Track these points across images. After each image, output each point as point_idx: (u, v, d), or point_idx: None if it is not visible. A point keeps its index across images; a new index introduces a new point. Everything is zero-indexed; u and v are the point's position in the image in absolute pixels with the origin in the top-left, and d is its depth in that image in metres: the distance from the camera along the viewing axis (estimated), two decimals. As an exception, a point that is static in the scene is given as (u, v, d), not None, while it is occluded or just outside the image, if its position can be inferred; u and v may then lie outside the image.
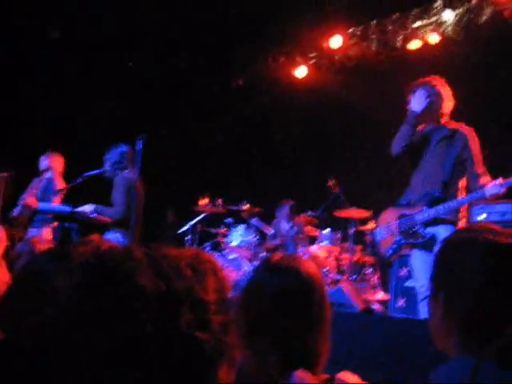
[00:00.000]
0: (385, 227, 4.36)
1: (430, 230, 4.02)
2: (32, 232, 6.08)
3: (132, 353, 0.81)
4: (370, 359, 3.48)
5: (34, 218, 6.12)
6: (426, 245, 3.98)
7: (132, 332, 0.81)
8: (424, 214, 4.05)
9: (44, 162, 6.57)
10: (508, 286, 1.13)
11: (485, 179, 3.95)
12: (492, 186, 3.77)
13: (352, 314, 4.89)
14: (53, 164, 6.57)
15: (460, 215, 4.05)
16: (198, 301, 0.86)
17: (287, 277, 1.54)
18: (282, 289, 1.51)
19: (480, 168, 4.04)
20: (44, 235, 6.03)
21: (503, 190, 3.75)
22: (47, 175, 6.52)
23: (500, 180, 3.76)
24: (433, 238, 3.96)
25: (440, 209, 3.96)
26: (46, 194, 6.28)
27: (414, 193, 4.24)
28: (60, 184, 6.41)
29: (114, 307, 0.83)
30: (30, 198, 6.12)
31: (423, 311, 3.99)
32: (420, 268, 4.07)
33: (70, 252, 1.35)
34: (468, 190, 4.07)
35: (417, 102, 4.20)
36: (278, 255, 1.63)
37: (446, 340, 1.21)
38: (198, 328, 0.84)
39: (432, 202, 4.03)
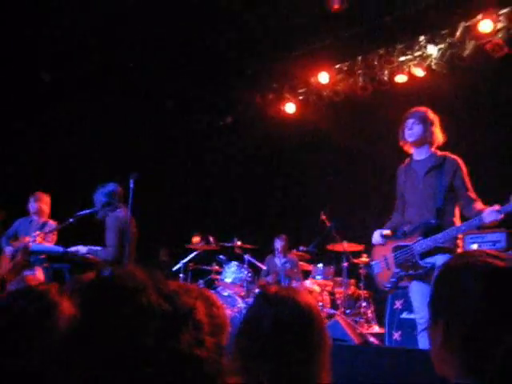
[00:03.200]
0: (381, 260, 4.35)
1: (429, 260, 3.99)
2: (25, 273, 6.01)
3: (134, 369, 0.83)
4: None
5: (29, 259, 6.06)
6: (426, 276, 3.96)
7: (134, 348, 0.83)
8: (422, 244, 4.02)
9: (33, 203, 6.49)
10: (508, 308, 1.14)
11: (479, 205, 3.97)
12: (490, 212, 3.78)
13: (350, 346, 4.84)
14: (42, 205, 6.50)
15: (458, 242, 4.06)
16: (196, 321, 0.89)
17: (285, 307, 1.54)
18: (280, 319, 1.51)
19: (472, 194, 4.08)
20: (38, 275, 5.97)
21: (501, 216, 3.76)
22: (37, 216, 6.46)
23: (497, 206, 3.78)
24: (433, 268, 3.91)
25: (439, 237, 3.94)
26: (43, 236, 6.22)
27: (408, 224, 4.25)
28: (51, 225, 6.36)
29: (118, 324, 0.85)
30: (25, 239, 6.07)
31: (422, 343, 3.96)
32: (420, 300, 4.04)
33: (46, 292, 1.36)
34: (463, 216, 4.09)
35: (414, 130, 4.24)
36: (274, 287, 1.64)
37: (446, 365, 1.21)
38: (197, 347, 0.86)
39: (428, 231, 4.02)
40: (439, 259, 3.91)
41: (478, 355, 1.14)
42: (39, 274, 6.02)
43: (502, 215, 3.77)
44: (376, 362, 3.76)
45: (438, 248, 3.95)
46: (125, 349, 0.83)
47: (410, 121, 4.25)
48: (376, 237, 4.43)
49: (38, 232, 6.14)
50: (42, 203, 6.51)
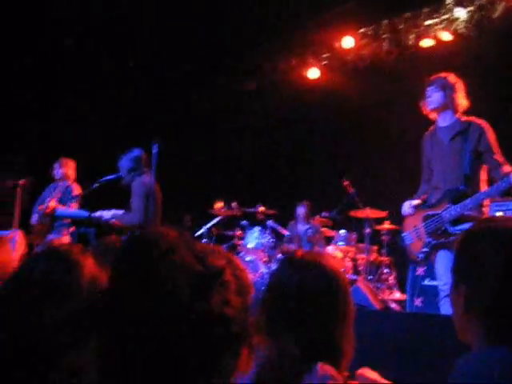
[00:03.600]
0: (412, 231, 4.34)
1: (460, 227, 3.96)
2: (51, 237, 6.12)
3: (167, 328, 0.86)
4: (389, 356, 3.48)
5: (54, 224, 6.16)
6: (453, 242, 3.94)
7: (168, 307, 0.86)
8: (451, 211, 4.00)
9: (58, 169, 6.60)
10: None
11: (507, 168, 3.92)
12: None
13: (371, 311, 4.88)
14: (67, 170, 6.60)
15: (483, 210, 4.04)
16: (225, 282, 0.91)
17: (311, 272, 1.55)
18: (306, 284, 1.52)
19: (500, 157, 4.03)
20: (63, 240, 6.08)
21: None
22: (63, 182, 6.55)
23: None
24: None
25: (467, 203, 3.91)
26: (64, 200, 6.31)
27: (436, 192, 4.22)
28: (76, 190, 6.44)
29: (152, 283, 0.88)
30: (50, 203, 6.16)
31: (444, 309, 3.97)
32: (444, 267, 4.03)
33: (68, 252, 1.40)
34: (490, 180, 4.04)
35: (433, 98, 4.19)
36: (300, 251, 1.64)
37: (469, 332, 1.21)
38: (226, 306, 0.89)
39: (457, 198, 3.99)
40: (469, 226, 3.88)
41: (500, 323, 1.14)
42: (65, 238, 6.14)
43: None
44: (397, 327, 3.79)
45: (467, 216, 3.92)
46: (159, 308, 0.86)
47: (430, 88, 4.21)
48: (406, 207, 4.41)
49: (53, 197, 6.23)
50: (66, 168, 6.61)
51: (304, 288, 1.52)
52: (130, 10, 7.72)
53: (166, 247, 0.91)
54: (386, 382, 1.52)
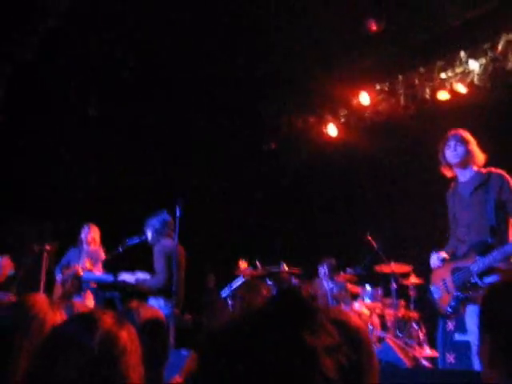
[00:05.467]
0: (440, 284, 4.29)
1: (488, 279, 3.91)
2: (76, 299, 6.18)
3: None
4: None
5: (82, 286, 6.27)
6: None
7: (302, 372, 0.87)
8: (479, 263, 3.96)
9: (88, 234, 6.78)
10: None
11: None
12: None
13: (403, 369, 4.76)
14: (95, 235, 6.80)
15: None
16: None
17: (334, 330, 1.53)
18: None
19: None
20: (87, 302, 6.14)
21: None
22: (89, 246, 6.70)
23: None
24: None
25: (495, 254, 3.86)
26: (92, 263, 6.44)
27: (462, 245, 4.20)
28: (103, 254, 6.59)
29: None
30: (82, 266, 6.29)
31: (478, 364, 3.86)
32: (475, 321, 3.95)
33: (97, 317, 1.45)
34: None
35: (458, 151, 4.23)
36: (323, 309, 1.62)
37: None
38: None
39: (485, 250, 3.95)
40: (497, 279, 3.84)
41: None
42: (89, 301, 6.18)
43: None
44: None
45: (496, 269, 3.88)
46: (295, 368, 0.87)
47: (452, 142, 4.24)
48: (434, 260, 4.37)
49: (85, 259, 6.35)
50: (94, 233, 6.82)
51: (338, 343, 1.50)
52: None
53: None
54: None
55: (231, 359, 0.86)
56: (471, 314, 4.04)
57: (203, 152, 9.73)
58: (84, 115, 8.59)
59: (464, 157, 4.21)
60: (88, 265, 6.25)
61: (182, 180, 9.13)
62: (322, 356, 0.87)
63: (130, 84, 8.09)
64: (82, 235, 6.81)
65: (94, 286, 6.24)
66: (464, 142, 4.22)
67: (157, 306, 4.81)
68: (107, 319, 1.47)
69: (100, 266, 6.47)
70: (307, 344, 0.86)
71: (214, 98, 8.63)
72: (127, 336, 1.48)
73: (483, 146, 4.31)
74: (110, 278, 5.69)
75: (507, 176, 4.13)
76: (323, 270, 7.89)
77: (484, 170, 4.23)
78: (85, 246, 6.75)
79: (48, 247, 6.80)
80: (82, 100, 8.37)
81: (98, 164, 8.95)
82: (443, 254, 4.33)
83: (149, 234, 5.50)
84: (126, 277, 5.44)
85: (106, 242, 7.10)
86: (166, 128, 9.10)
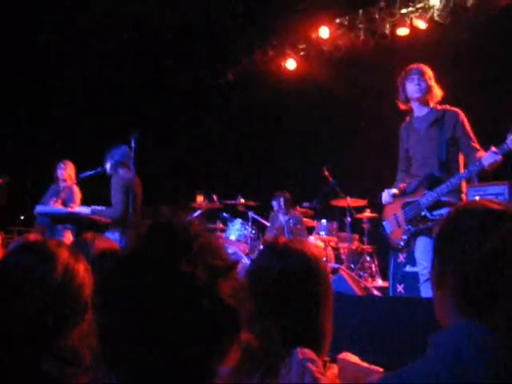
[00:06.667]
0: (392, 219, 4.40)
1: (437, 212, 4.04)
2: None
3: (179, 312, 0.91)
4: (369, 340, 3.52)
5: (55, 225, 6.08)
6: (431, 228, 3.99)
7: (185, 292, 0.91)
8: (428, 197, 4.07)
9: (63, 171, 6.55)
10: (506, 250, 1.16)
11: (480, 153, 3.99)
12: (488, 155, 3.82)
13: (353, 296, 4.92)
14: (70, 172, 6.59)
15: (462, 196, 4.11)
16: (235, 274, 0.99)
17: (292, 258, 1.56)
18: (287, 271, 1.54)
19: (475, 144, 4.10)
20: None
21: (499, 157, 3.79)
22: (64, 183, 6.51)
23: (493, 148, 3.82)
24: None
25: (443, 188, 3.98)
26: (67, 202, 6.23)
27: (415, 180, 4.29)
28: (78, 192, 6.40)
29: (173, 265, 0.92)
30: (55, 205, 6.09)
31: (424, 293, 4.03)
32: (423, 251, 4.10)
33: (53, 249, 1.45)
34: (466, 166, 4.11)
35: (412, 87, 4.24)
36: (283, 239, 1.65)
37: (443, 310, 1.24)
38: (232, 297, 0.94)
39: (433, 184, 4.06)
40: (447, 211, 3.93)
41: (470, 298, 1.17)
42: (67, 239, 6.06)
43: (500, 156, 3.80)
44: (378, 312, 3.83)
45: (445, 202, 3.99)
46: (177, 291, 0.91)
47: (416, 76, 4.23)
48: (385, 196, 4.47)
49: (54, 198, 6.20)
50: (69, 170, 6.60)
51: (285, 273, 1.53)
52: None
53: (194, 234, 0.96)
54: (367, 365, 1.55)
55: (122, 296, 0.92)
56: (420, 245, 4.18)
57: (161, 83, 9.55)
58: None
59: (426, 92, 4.24)
60: (58, 204, 6.04)
61: (138, 112, 8.97)
62: (201, 280, 0.90)
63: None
64: (58, 172, 6.56)
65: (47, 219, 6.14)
66: (426, 77, 4.23)
67: (113, 240, 4.79)
68: (63, 252, 1.47)
69: (78, 203, 6.28)
70: (183, 271, 0.90)
71: (175, 30, 8.39)
72: (84, 268, 1.51)
73: (440, 83, 4.34)
74: (64, 210, 5.61)
75: (462, 114, 4.19)
76: (278, 203, 7.95)
77: (439, 107, 4.28)
78: (61, 183, 6.54)
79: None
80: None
81: (52, 95, 8.70)
82: (394, 190, 4.42)
83: (107, 166, 5.37)
84: (81, 209, 5.37)
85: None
86: (124, 58, 8.86)
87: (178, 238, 0.95)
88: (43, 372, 1.30)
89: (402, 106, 4.42)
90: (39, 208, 6.03)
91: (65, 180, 6.52)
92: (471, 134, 4.14)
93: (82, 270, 1.48)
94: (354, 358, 1.58)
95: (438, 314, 1.27)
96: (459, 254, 1.19)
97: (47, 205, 6.11)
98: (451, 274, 1.20)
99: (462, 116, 4.18)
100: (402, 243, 4.31)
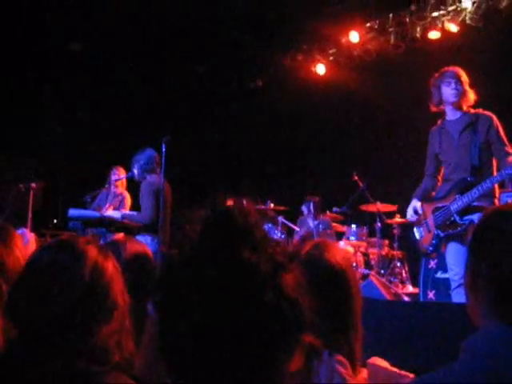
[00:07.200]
0: (422, 224, 4.36)
1: (467, 217, 3.98)
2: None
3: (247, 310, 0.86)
4: (400, 345, 3.48)
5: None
6: (464, 234, 3.94)
7: (251, 288, 0.87)
8: (458, 201, 4.02)
9: (118, 176, 6.57)
10: None
11: None
12: None
13: (383, 301, 4.88)
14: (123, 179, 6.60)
15: (495, 201, 4.05)
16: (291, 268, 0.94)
17: (317, 269, 1.55)
18: (314, 279, 1.53)
19: (508, 148, 4.04)
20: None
21: None
22: (116, 189, 6.57)
23: None
24: (472, 225, 3.89)
25: (474, 192, 3.91)
26: (119, 209, 6.28)
27: (445, 184, 4.24)
28: (129, 200, 6.46)
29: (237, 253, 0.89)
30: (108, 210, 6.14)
31: (456, 299, 3.97)
32: (455, 257, 4.05)
33: (82, 247, 1.46)
34: (499, 170, 4.05)
35: (449, 91, 4.19)
36: (307, 246, 1.63)
37: (480, 317, 1.22)
38: (293, 291, 0.90)
39: (464, 188, 4.00)
40: (477, 217, 3.88)
41: (505, 302, 1.15)
42: None
43: None
44: (408, 316, 3.79)
45: (476, 207, 3.93)
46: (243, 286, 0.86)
47: (453, 80, 4.18)
48: (409, 215, 4.47)
49: (108, 204, 6.26)
50: (121, 176, 6.60)
51: (313, 282, 1.52)
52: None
53: (254, 221, 0.92)
54: (396, 370, 1.54)
55: (186, 291, 0.88)
56: (451, 251, 4.13)
57: (191, 89, 9.62)
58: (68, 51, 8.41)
59: (462, 96, 4.19)
60: (110, 210, 6.08)
61: (168, 118, 9.05)
62: (265, 271, 0.86)
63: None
64: (112, 178, 6.59)
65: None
66: (462, 80, 4.18)
67: (144, 243, 4.83)
68: (92, 249, 1.48)
69: (127, 208, 6.35)
70: (248, 261, 0.85)
71: (202, 34, 8.45)
72: (112, 266, 1.51)
73: (472, 87, 4.28)
74: (95, 214, 5.69)
75: (495, 118, 4.14)
76: (307, 208, 7.94)
77: (472, 111, 4.22)
78: (112, 188, 6.61)
79: (34, 186, 6.76)
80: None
81: (84, 101, 8.84)
82: (417, 205, 4.38)
83: (135, 171, 5.46)
84: (113, 213, 5.44)
85: (92, 180, 7.07)
86: (155, 65, 8.95)
87: (238, 226, 0.90)
88: (74, 371, 1.31)
89: (434, 109, 4.36)
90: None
91: (117, 186, 6.57)
92: (504, 139, 4.08)
93: (110, 267, 1.49)
94: (383, 363, 1.57)
95: (473, 316, 1.25)
96: (493, 257, 1.17)
97: (101, 209, 6.16)
98: (485, 277, 1.18)
99: (496, 120, 4.12)
100: (430, 248, 4.27)
